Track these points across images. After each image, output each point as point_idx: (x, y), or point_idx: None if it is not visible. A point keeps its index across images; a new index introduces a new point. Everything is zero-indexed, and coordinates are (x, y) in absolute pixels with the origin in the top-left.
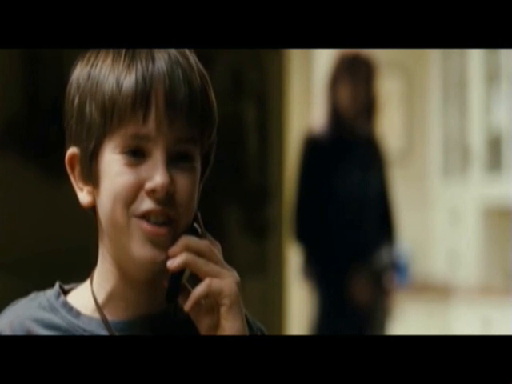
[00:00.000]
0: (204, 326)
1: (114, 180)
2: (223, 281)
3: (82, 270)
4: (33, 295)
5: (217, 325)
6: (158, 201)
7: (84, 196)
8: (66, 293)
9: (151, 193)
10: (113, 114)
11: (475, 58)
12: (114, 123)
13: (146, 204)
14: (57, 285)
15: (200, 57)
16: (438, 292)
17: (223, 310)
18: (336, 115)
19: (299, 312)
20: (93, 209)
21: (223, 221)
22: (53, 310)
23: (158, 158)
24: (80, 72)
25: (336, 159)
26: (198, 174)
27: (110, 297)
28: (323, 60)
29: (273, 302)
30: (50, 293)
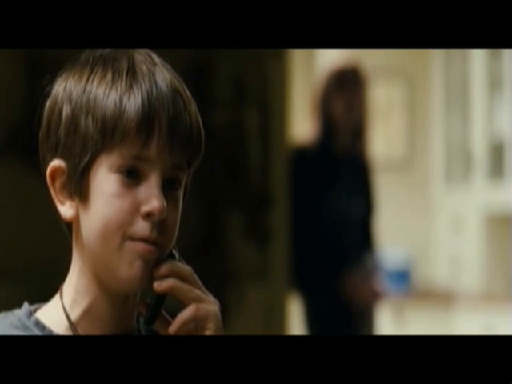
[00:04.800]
0: None
1: (109, 200)
2: (208, 306)
3: None
4: (1, 315)
5: None
6: (152, 225)
7: (66, 210)
8: (34, 312)
9: (147, 216)
10: (114, 132)
11: (477, 64)
12: (115, 141)
13: (142, 229)
14: (26, 304)
15: (202, 65)
16: (441, 298)
17: (208, 334)
18: (327, 130)
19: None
20: (69, 223)
21: (226, 227)
22: (25, 329)
23: (153, 181)
24: (71, 85)
25: (323, 176)
26: (181, 201)
27: (85, 314)
28: (325, 66)
29: (275, 307)
30: (20, 312)
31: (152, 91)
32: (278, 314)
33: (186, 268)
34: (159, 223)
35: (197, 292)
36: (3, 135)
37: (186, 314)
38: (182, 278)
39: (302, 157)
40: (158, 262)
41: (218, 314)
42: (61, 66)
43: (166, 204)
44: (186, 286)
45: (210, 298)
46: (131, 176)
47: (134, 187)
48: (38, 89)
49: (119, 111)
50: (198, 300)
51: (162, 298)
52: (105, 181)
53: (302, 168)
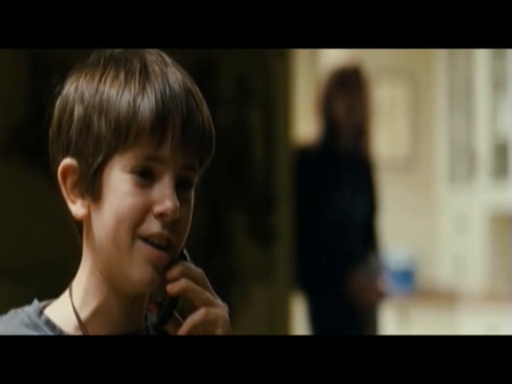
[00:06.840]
0: None
1: (122, 199)
2: (218, 311)
3: None
4: (12, 312)
5: None
6: (164, 224)
7: (78, 209)
8: (43, 309)
9: (160, 216)
10: (128, 132)
11: (481, 64)
12: (129, 142)
13: (154, 226)
14: (35, 301)
15: (205, 65)
16: (444, 298)
17: None
18: (330, 130)
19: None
20: (80, 222)
21: (229, 227)
22: (36, 327)
23: (166, 181)
24: (83, 85)
25: (327, 175)
26: (193, 201)
27: (95, 313)
28: (329, 66)
29: (279, 307)
30: (31, 310)
31: (165, 91)
32: (282, 314)
33: (197, 270)
34: (172, 223)
35: (208, 295)
36: (6, 135)
37: (196, 317)
38: (194, 280)
39: (306, 156)
40: (170, 264)
41: (227, 318)
42: (63, 65)
43: (178, 204)
44: (198, 288)
45: (219, 302)
46: (145, 176)
47: (147, 187)
48: (42, 89)
49: (133, 111)
50: (209, 303)
51: (174, 300)
52: (118, 181)
53: (305, 168)
